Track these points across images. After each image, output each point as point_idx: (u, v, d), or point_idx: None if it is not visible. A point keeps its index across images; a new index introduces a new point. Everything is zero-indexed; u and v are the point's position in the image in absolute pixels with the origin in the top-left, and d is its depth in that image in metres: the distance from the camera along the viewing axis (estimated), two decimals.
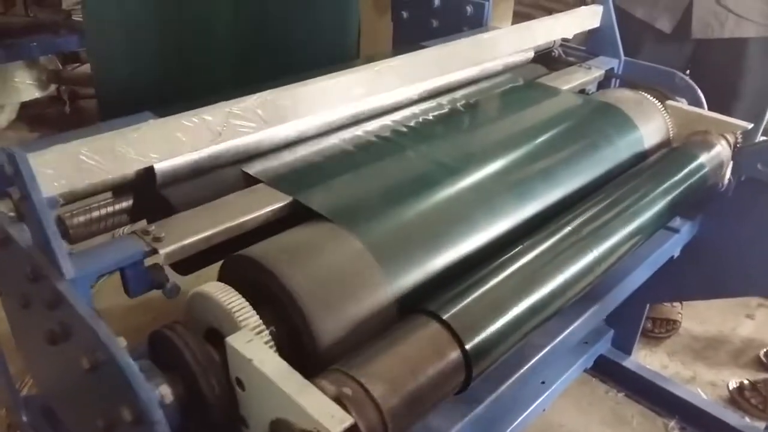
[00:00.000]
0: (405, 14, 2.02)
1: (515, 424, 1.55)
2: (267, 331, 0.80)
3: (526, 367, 1.08)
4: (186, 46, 1.45)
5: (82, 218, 0.96)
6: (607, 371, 2.03)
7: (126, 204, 1.01)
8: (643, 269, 1.38)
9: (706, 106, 1.55)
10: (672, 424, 1.92)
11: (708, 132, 1.40)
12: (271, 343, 0.80)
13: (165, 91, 1.42)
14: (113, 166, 0.87)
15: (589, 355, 1.89)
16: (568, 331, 1.17)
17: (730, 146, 1.40)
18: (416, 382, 0.79)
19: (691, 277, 1.65)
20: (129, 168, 0.90)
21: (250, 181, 1.06)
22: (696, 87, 1.57)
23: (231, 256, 0.90)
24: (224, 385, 0.78)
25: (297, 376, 0.71)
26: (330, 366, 0.77)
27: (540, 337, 1.10)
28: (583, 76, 1.55)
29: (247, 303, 0.81)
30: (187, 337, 0.79)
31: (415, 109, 1.34)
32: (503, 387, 1.03)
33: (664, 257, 1.48)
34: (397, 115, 1.30)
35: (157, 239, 0.87)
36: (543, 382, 1.73)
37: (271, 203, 0.98)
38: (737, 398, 2.01)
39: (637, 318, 1.94)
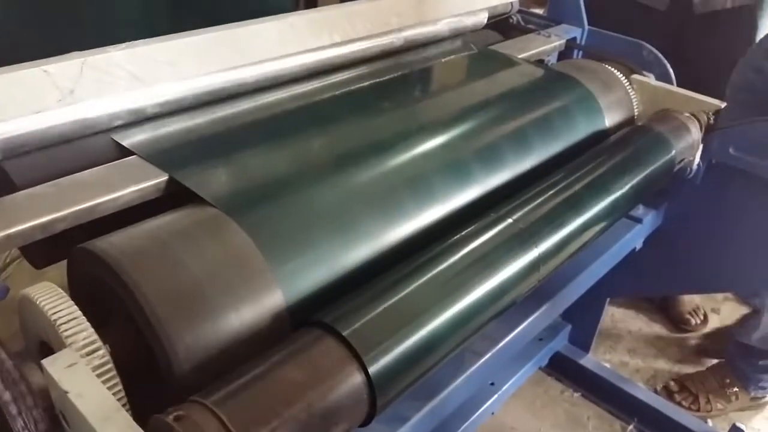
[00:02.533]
0: None
1: (461, 429, 1.39)
2: (103, 350, 0.61)
3: (472, 368, 0.93)
4: None
5: None
6: (562, 369, 1.89)
7: None
8: (602, 262, 1.22)
9: (675, 81, 1.39)
10: (630, 427, 1.78)
11: (677, 110, 1.24)
12: (108, 366, 0.61)
13: (49, 40, 1.20)
14: None
15: (543, 352, 1.74)
16: (519, 328, 1.02)
17: (700, 127, 1.24)
18: (302, 417, 0.61)
19: (654, 270, 1.50)
20: None
21: (123, 152, 0.85)
22: (665, 61, 1.41)
23: (75, 248, 0.70)
24: (47, 421, 0.59)
25: (123, 417, 0.53)
26: (190, 395, 0.59)
27: (488, 335, 0.94)
28: (542, 45, 1.37)
29: (79, 312, 0.62)
30: None
31: (344, 75, 1.15)
32: (447, 390, 0.89)
33: (625, 249, 1.32)
34: (319, 82, 1.11)
35: None
36: (492, 384, 1.58)
37: (138, 181, 0.78)
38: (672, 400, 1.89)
39: (596, 313, 1.79)
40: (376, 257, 0.82)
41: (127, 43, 0.79)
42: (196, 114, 0.97)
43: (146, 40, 0.81)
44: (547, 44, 1.38)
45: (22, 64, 0.72)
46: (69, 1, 1.19)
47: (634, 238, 1.33)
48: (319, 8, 0.99)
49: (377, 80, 1.17)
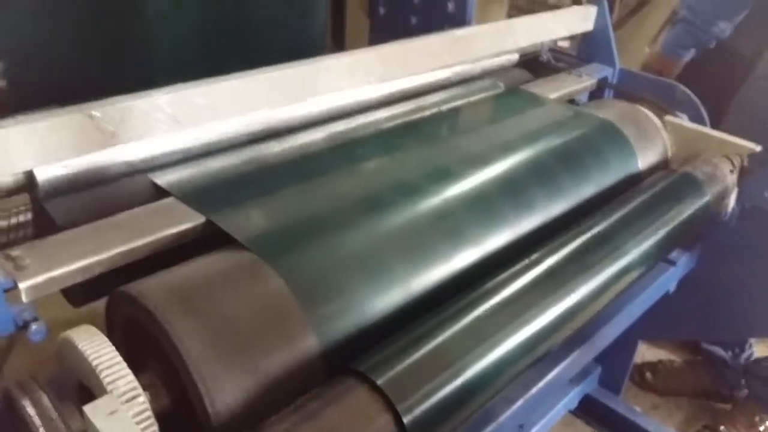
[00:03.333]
0: (382, 10, 1.85)
1: None
2: (143, 397, 0.62)
3: (503, 414, 0.92)
4: (119, 20, 1.25)
5: None
6: (592, 413, 1.84)
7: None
8: (635, 306, 1.20)
9: (708, 123, 1.38)
10: None
11: (711, 153, 1.22)
12: (147, 412, 0.61)
13: (91, 80, 1.23)
14: None
15: (573, 395, 1.70)
16: (551, 374, 1.01)
17: (735, 170, 1.23)
18: None
19: (687, 313, 1.47)
20: None
21: (160, 193, 0.87)
22: (698, 102, 1.40)
23: (115, 291, 0.71)
24: None
25: None
26: None
27: (519, 380, 0.93)
28: (573, 85, 1.37)
29: (119, 358, 0.62)
30: (38, 399, 0.60)
31: (373, 115, 1.15)
32: None
33: (658, 292, 1.30)
34: (350, 122, 1.11)
35: (20, 267, 0.69)
36: (521, 426, 1.55)
37: (176, 224, 0.79)
38: None
39: (628, 355, 1.76)
40: (410, 302, 0.82)
41: (169, 86, 0.81)
42: (230, 153, 0.98)
43: (187, 83, 0.83)
44: (578, 84, 1.38)
45: (68, 108, 0.74)
46: (109, 45, 1.22)
47: (668, 281, 1.31)
48: (354, 51, 1.00)
49: (407, 119, 1.18)
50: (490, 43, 1.21)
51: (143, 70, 1.30)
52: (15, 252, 0.70)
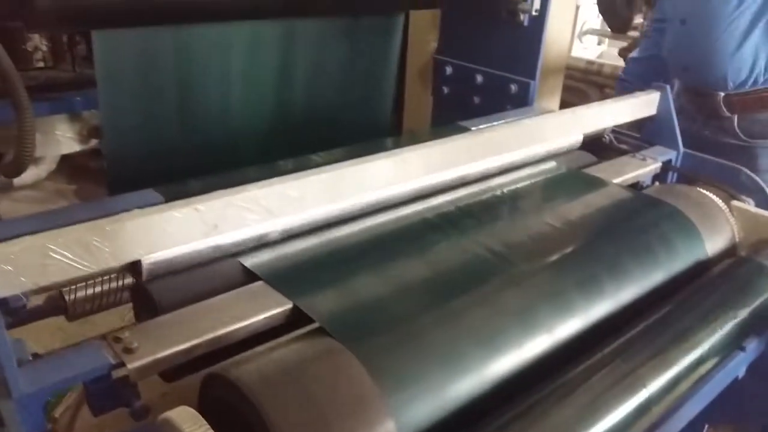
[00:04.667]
0: (446, 90, 1.93)
1: None
2: None
3: None
4: (204, 111, 1.36)
5: (81, 294, 0.85)
6: None
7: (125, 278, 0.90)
8: (704, 393, 1.18)
9: None
10: None
11: None
12: None
13: (181, 163, 1.33)
14: (88, 263, 0.76)
15: None
16: None
17: None
18: None
19: (757, 399, 1.44)
20: (106, 263, 0.78)
21: (248, 275, 0.93)
22: (764, 186, 1.40)
23: (210, 373, 0.76)
24: None
25: None
26: None
27: None
28: (637, 168, 1.40)
29: None
30: None
31: (444, 197, 1.21)
32: None
33: (727, 378, 1.28)
34: (423, 204, 1.17)
35: (129, 350, 0.75)
36: None
37: (267, 309, 0.85)
38: None
39: None
40: (484, 389, 0.84)
41: (264, 181, 0.88)
42: (312, 237, 1.05)
43: (280, 177, 0.90)
44: (642, 168, 1.40)
45: (177, 201, 0.82)
46: (194, 124, 1.33)
47: (737, 366, 1.29)
48: (429, 143, 1.07)
49: (472, 201, 1.23)
50: (556, 131, 1.26)
51: (225, 149, 1.40)
52: (124, 334, 0.77)
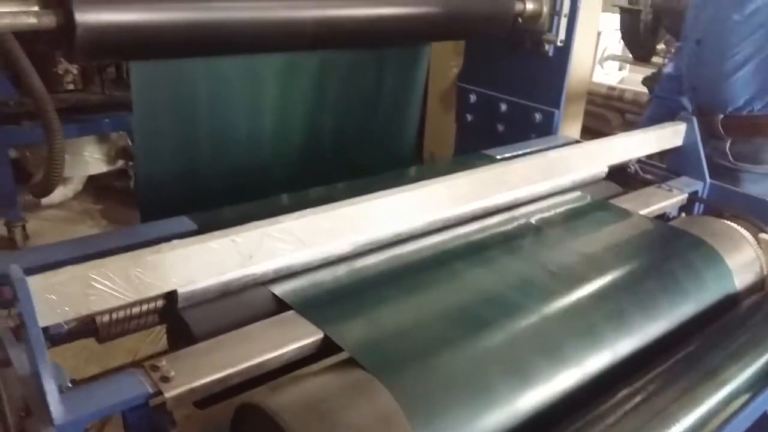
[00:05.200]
0: (469, 117, 1.94)
1: None
2: None
3: None
4: (236, 139, 1.39)
5: (112, 318, 0.87)
6: None
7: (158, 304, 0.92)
8: (732, 428, 1.17)
9: None
10: None
11: None
12: None
13: (212, 188, 1.36)
14: (128, 292, 0.78)
15: None
16: None
17: None
18: None
19: None
20: (146, 293, 0.80)
21: (279, 304, 0.95)
22: None
23: (245, 404, 0.78)
24: None
25: None
26: None
27: None
28: (663, 200, 1.40)
29: None
30: None
31: (469, 227, 1.22)
32: None
33: (755, 413, 1.26)
34: (449, 234, 1.18)
35: (166, 378, 0.77)
36: None
37: (298, 338, 0.86)
38: None
39: None
40: (511, 422, 0.85)
41: (298, 212, 0.90)
42: (340, 265, 1.06)
43: (312, 209, 0.92)
44: (668, 199, 1.40)
45: (214, 233, 0.84)
46: (224, 165, 1.36)
47: (766, 401, 1.27)
48: (456, 175, 1.08)
49: (498, 231, 1.23)
50: (582, 162, 1.27)
51: (256, 175, 1.43)
52: (161, 363, 0.78)
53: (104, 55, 1.23)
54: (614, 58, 4.60)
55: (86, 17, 1.01)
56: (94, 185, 3.53)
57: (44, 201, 3.27)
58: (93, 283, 0.74)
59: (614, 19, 3.96)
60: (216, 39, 1.14)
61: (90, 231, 3.26)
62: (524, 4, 1.63)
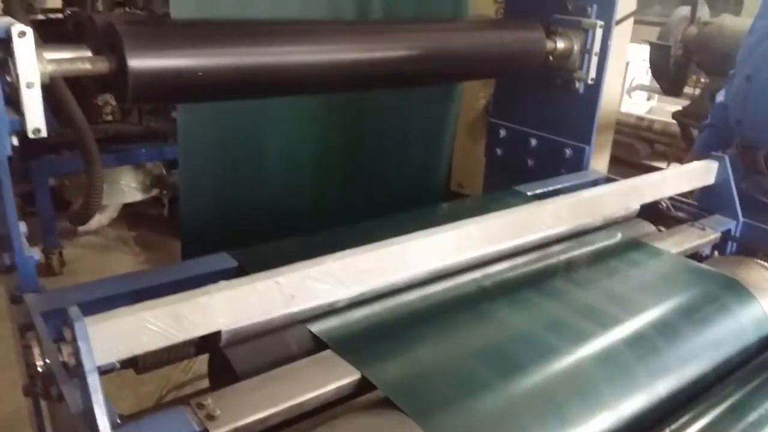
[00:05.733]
0: (499, 151, 1.97)
1: None
2: None
3: None
4: (276, 175, 1.44)
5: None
6: None
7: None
8: None
9: None
10: None
11: None
12: None
13: (252, 224, 1.40)
14: (177, 332, 0.81)
15: None
16: None
17: None
18: None
19: None
20: (193, 332, 0.84)
21: (316, 343, 0.97)
22: None
23: None
24: None
25: None
26: None
27: None
28: (696, 239, 1.40)
29: None
30: None
31: (501, 266, 1.23)
32: None
33: None
34: (481, 272, 1.20)
35: (211, 417, 0.79)
36: None
37: (336, 378, 0.88)
38: None
39: None
40: None
41: (339, 253, 0.93)
42: (375, 304, 1.08)
43: (352, 250, 0.95)
44: (701, 238, 1.40)
45: (259, 274, 0.87)
46: (263, 201, 1.41)
47: None
48: (490, 215, 1.10)
49: (528, 270, 1.25)
50: (615, 202, 1.28)
51: (293, 210, 1.47)
52: (206, 401, 0.81)
53: (154, 98, 1.29)
54: (642, 88, 4.59)
55: (138, 63, 1.07)
56: (128, 212, 3.63)
57: (80, 228, 3.37)
58: (146, 324, 0.77)
59: (642, 50, 3.98)
60: (260, 82, 1.19)
61: (124, 258, 3.35)
62: (555, 42, 1.66)
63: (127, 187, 3.24)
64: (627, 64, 4.21)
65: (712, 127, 2.26)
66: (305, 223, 1.35)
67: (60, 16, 3.12)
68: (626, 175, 1.44)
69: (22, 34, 0.93)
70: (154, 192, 3.49)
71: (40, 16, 3.16)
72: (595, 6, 1.65)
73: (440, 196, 1.78)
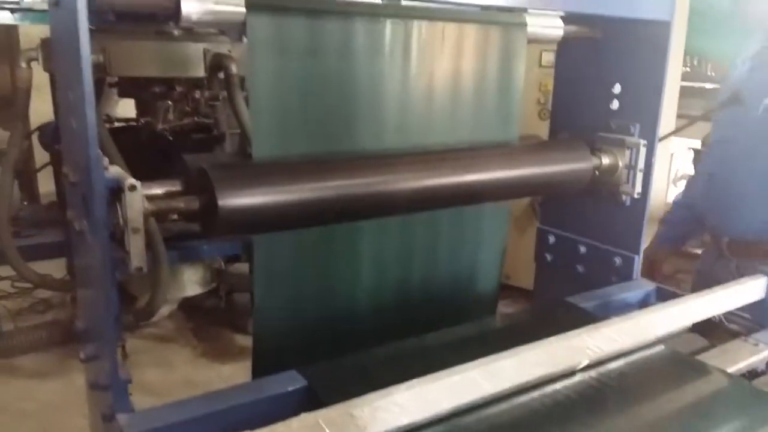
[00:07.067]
0: (549, 257, 2.03)
1: None
2: None
3: None
4: (339, 294, 1.54)
5: None
6: None
7: None
8: None
9: None
10: None
11: None
12: None
13: (317, 340, 1.50)
14: None
15: None
16: None
17: None
18: None
19: None
20: None
21: None
22: None
23: None
24: None
25: None
26: None
27: None
28: (751, 355, 1.42)
29: None
30: None
31: (555, 386, 1.27)
32: None
33: None
34: (538, 392, 1.24)
35: None
36: None
37: None
38: None
39: None
40: None
41: (406, 384, 1.01)
42: (435, 427, 1.14)
43: (419, 380, 1.02)
44: (755, 354, 1.42)
45: (334, 408, 0.95)
46: (328, 318, 1.51)
47: None
48: (548, 340, 1.17)
49: (585, 387, 1.28)
50: (667, 322, 1.33)
51: (354, 325, 1.56)
52: None
53: (239, 231, 1.44)
54: (687, 177, 4.62)
55: (227, 202, 1.21)
56: (186, 304, 3.78)
57: None
58: None
59: (685, 141, 4.04)
60: (334, 211, 1.33)
61: (182, 350, 3.47)
62: (600, 159, 1.75)
63: (188, 281, 3.39)
64: (672, 155, 4.27)
65: (668, 223, 2.63)
66: (365, 335, 1.44)
67: (134, 124, 3.39)
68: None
69: (133, 188, 1.07)
70: (211, 285, 3.64)
71: (117, 124, 3.44)
72: (638, 125, 1.74)
73: (493, 296, 1.85)
